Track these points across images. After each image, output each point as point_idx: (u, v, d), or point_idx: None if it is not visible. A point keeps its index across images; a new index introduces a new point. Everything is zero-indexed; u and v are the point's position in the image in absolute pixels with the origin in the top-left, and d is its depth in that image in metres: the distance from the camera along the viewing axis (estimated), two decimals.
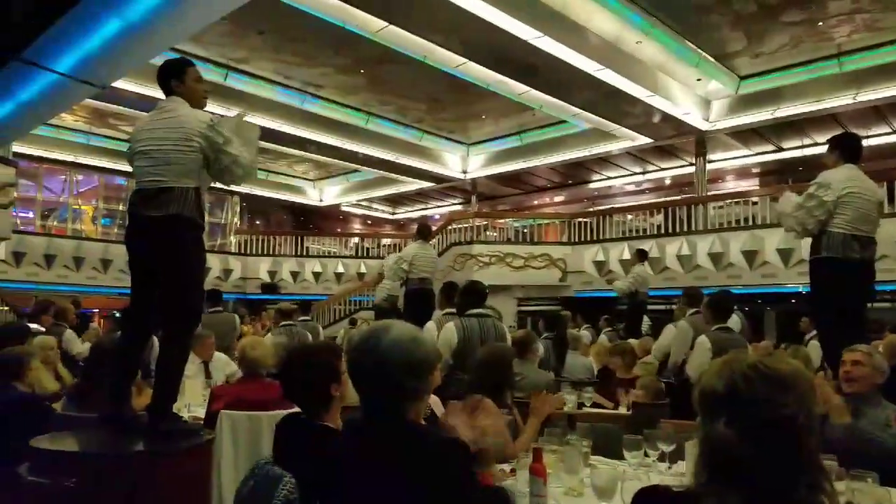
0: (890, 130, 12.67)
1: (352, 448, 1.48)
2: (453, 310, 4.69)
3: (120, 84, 9.44)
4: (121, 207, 16.23)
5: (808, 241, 4.13)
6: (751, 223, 10.85)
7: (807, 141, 12.93)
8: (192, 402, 4.01)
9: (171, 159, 2.78)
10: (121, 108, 11.34)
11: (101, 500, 2.41)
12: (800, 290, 9.90)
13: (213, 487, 3.10)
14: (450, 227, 14.04)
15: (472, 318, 4.24)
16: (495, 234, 14.51)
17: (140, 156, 2.84)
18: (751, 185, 16.20)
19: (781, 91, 11.14)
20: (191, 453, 2.73)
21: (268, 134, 12.93)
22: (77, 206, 16.37)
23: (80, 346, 6.40)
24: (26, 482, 2.44)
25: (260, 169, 16.64)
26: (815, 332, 6.36)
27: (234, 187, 3.69)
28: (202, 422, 3.39)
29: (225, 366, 5.15)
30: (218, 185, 3.08)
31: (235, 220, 17.77)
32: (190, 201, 2.79)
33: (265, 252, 15.35)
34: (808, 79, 10.82)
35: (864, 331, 4.03)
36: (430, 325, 4.62)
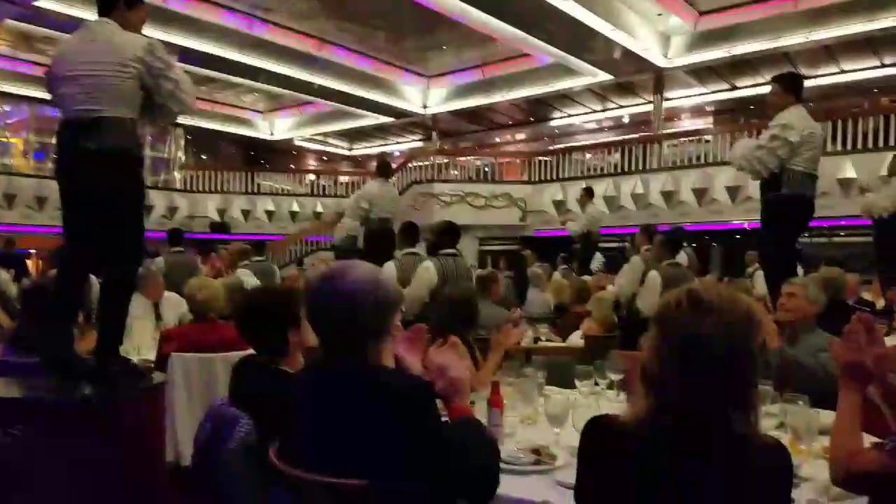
0: (837, 70, 12.90)
1: (312, 390, 1.44)
2: (413, 249, 4.74)
3: (46, 4, 8.75)
4: (54, 141, 15.33)
5: (755, 180, 4.29)
6: (703, 161, 11.03)
7: (759, 80, 13.04)
8: (141, 345, 3.88)
9: (106, 86, 2.57)
10: (50, 31, 10.51)
11: (48, 448, 2.33)
12: (745, 226, 10.22)
13: (167, 432, 3.05)
14: (410, 165, 13.83)
15: (448, 257, 4.32)
16: (456, 172, 14.38)
17: (68, 81, 2.61)
18: (705, 123, 16.39)
19: (738, 28, 11.10)
20: (141, 397, 2.67)
21: (213, 61, 12.28)
22: (5, 139, 15.36)
23: (13, 288, 6.13)
24: None
25: (205, 99, 15.98)
26: (757, 266, 6.64)
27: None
28: (152, 365, 3.30)
29: (177, 305, 4.99)
30: None
31: (180, 154, 16.96)
32: (127, 132, 2.61)
33: (213, 189, 14.80)
34: (764, 16, 10.78)
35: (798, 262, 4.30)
36: (390, 264, 4.61)
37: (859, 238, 8.52)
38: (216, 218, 14.29)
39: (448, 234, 4.50)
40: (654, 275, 4.76)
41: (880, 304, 5.89)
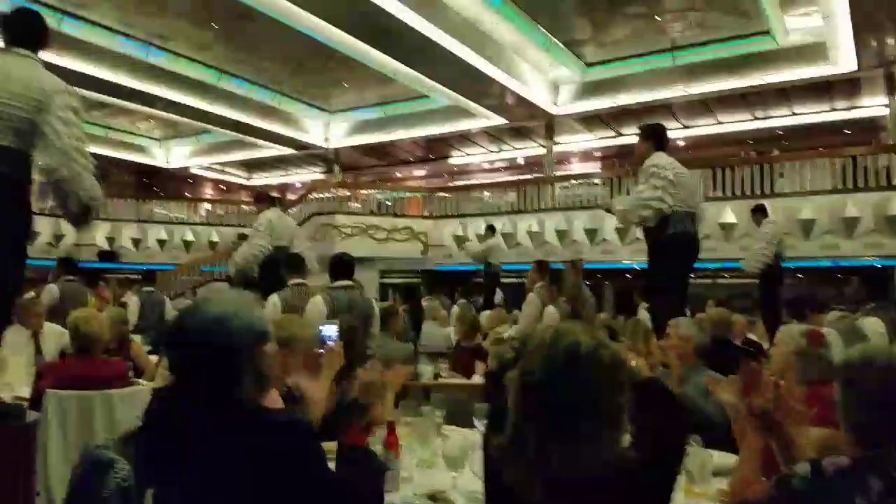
0: (714, 122, 14.07)
1: (179, 433, 1.37)
2: (300, 280, 4.64)
3: None
4: None
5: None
6: (592, 203, 11.68)
7: None
8: (15, 381, 3.61)
9: (15, 118, 2.51)
10: None
11: None
12: (634, 265, 10.84)
13: (40, 473, 2.85)
14: (311, 196, 13.71)
15: (339, 290, 4.24)
16: (358, 205, 14.39)
17: None
18: (593, 167, 17.35)
19: (622, 80, 11.94)
20: (10, 436, 2.50)
21: (107, 87, 11.79)
22: None
23: None
24: None
25: (98, 125, 15.21)
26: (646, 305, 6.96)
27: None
28: (27, 402, 3.09)
29: (59, 337, 4.66)
30: None
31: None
32: (17, 160, 2.55)
33: (102, 216, 13.94)
34: (645, 70, 11.66)
35: (685, 302, 4.43)
36: (274, 297, 4.48)
37: (743, 280, 9.00)
38: (105, 246, 13.47)
39: (340, 266, 4.39)
40: (551, 310, 4.93)
41: (766, 344, 5.84)
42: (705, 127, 14.18)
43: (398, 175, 20.09)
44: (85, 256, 13.37)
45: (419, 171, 19.73)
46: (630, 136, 14.81)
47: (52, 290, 5.99)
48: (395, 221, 13.09)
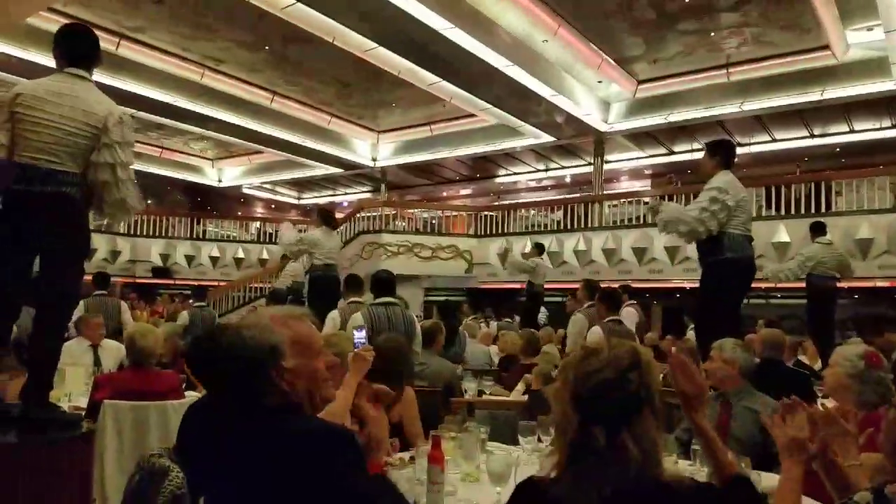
0: (770, 139, 13.72)
1: (222, 440, 1.39)
2: (357, 299, 4.72)
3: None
4: None
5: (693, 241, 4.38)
6: (641, 222, 11.47)
7: (696, 145, 13.79)
8: (73, 391, 3.73)
9: (67, 142, 2.60)
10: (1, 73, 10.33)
11: None
12: (684, 285, 10.59)
13: (96, 483, 2.92)
14: (358, 215, 13.91)
15: (379, 306, 4.28)
16: (404, 223, 14.52)
17: (30, 124, 2.60)
18: (643, 185, 17.10)
19: (675, 97, 11.79)
20: (69, 445, 2.56)
21: (163, 108, 12.22)
22: None
23: None
24: None
25: (153, 145, 15.79)
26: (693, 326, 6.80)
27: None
28: (84, 412, 3.18)
29: (117, 352, 4.84)
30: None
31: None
32: (77, 183, 2.64)
33: (157, 234, 14.50)
34: (699, 86, 11.50)
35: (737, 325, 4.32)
36: (334, 314, 4.59)
37: (795, 301, 8.77)
38: (159, 263, 13.93)
39: (381, 283, 4.45)
40: (596, 329, 4.85)
41: (817, 365, 5.85)
42: (759, 144, 13.84)
43: (444, 194, 20.21)
44: (140, 272, 13.88)
45: (465, 190, 19.80)
46: (682, 153, 14.60)
47: (78, 307, 6.18)
48: (440, 240, 13.15)
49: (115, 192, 2.72)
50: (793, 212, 10.09)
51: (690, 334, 6.36)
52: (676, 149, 14.59)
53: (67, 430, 2.63)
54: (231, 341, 1.41)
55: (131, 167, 2.78)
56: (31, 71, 8.67)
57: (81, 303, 6.13)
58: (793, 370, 4.58)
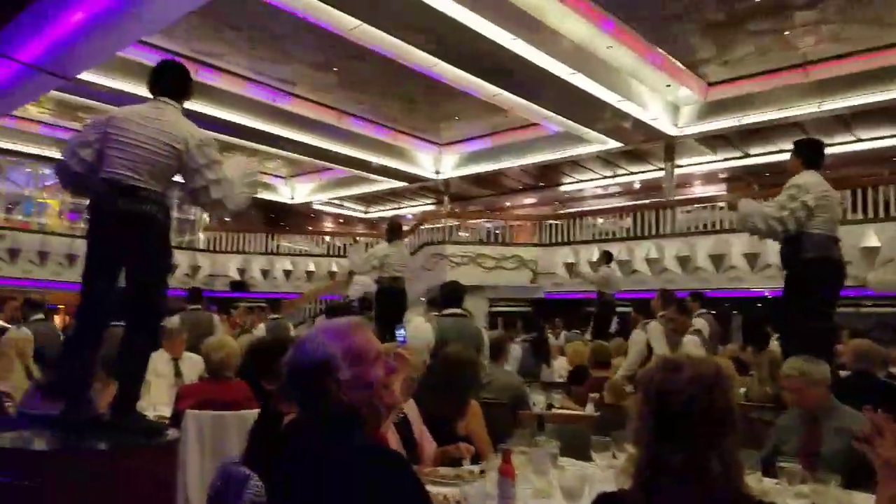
0: (853, 139, 13.00)
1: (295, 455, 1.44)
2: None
3: (89, 76, 9.23)
4: (87, 202, 15.82)
5: (775, 245, 4.19)
6: (718, 228, 11.06)
7: (772, 148, 13.23)
8: (157, 402, 3.93)
9: (153, 161, 2.77)
10: (90, 101, 11.05)
11: (62, 499, 2.35)
12: (765, 293, 10.11)
13: (179, 489, 3.05)
14: (422, 227, 14.04)
15: (447, 317, 4.29)
16: (467, 234, 14.55)
17: (117, 144, 2.77)
18: (718, 189, 16.51)
19: (748, 98, 11.36)
20: (154, 453, 2.69)
21: (239, 130, 12.77)
22: (42, 200, 15.92)
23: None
24: None
25: None
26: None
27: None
28: (168, 421, 3.33)
29: (198, 364, 5.04)
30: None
31: (204, 216, 17.44)
32: (159, 201, 2.80)
33: (235, 249, 15.11)
34: (774, 87, 11.05)
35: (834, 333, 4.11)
36: (426, 325, 4.57)
37: (887, 308, 8.26)
38: (237, 277, 14.50)
39: (449, 295, 4.46)
40: (693, 339, 4.68)
41: None
42: (842, 145, 13.11)
43: (507, 204, 20.15)
44: (219, 286, 14.48)
45: (528, 199, 19.67)
46: (758, 156, 14.03)
47: (173, 321, 6.46)
48: (504, 250, 13.07)
49: (213, 194, 2.90)
50: (882, 214, 9.48)
51: (774, 345, 6.03)
52: (751, 151, 14.02)
53: (154, 437, 2.76)
54: (288, 358, 1.45)
55: (224, 177, 2.92)
56: (117, 98, 9.30)
57: (178, 318, 6.51)
58: (887, 382, 4.27)
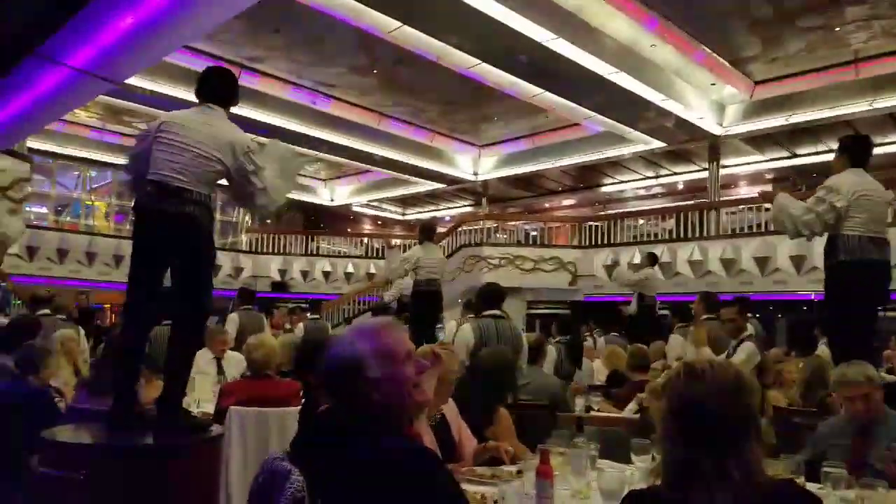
0: None
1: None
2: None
3: (135, 81, 9.51)
4: (132, 204, 16.32)
5: (821, 248, 4.04)
6: (763, 230, 10.78)
7: (821, 147, 12.83)
8: (201, 398, 4.03)
9: (198, 164, 2.83)
10: (135, 104, 11.38)
11: (109, 492, 2.42)
12: (811, 297, 9.81)
13: (222, 483, 3.11)
14: (460, 229, 14.05)
15: (487, 318, 4.29)
16: (505, 236, 14.48)
17: (165, 146, 2.84)
18: (764, 190, 16.06)
19: (796, 97, 11.05)
20: (199, 448, 2.75)
21: (279, 133, 12.98)
22: (90, 202, 16.50)
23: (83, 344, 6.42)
24: (38, 474, 2.47)
25: None
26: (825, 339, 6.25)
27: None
28: (211, 417, 3.41)
29: (240, 363, 5.15)
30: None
31: (247, 218, 17.82)
32: (204, 203, 2.86)
33: (276, 251, 15.40)
34: (823, 85, 10.73)
35: (872, 338, 3.95)
36: (466, 326, 4.57)
37: None
38: (277, 278, 14.76)
39: (489, 296, 4.44)
40: (749, 346, 4.61)
41: None
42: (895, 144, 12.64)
43: (546, 205, 20.00)
44: (260, 287, 14.74)
45: (568, 201, 19.49)
46: (806, 156, 13.62)
47: (234, 319, 6.69)
48: (542, 252, 12.96)
49: (259, 200, 3.01)
50: None
51: (823, 349, 5.83)
52: (799, 151, 13.62)
53: (199, 433, 2.82)
54: (323, 358, 1.49)
55: (270, 184, 3.00)
56: (160, 102, 9.55)
57: (236, 317, 6.77)
58: None
